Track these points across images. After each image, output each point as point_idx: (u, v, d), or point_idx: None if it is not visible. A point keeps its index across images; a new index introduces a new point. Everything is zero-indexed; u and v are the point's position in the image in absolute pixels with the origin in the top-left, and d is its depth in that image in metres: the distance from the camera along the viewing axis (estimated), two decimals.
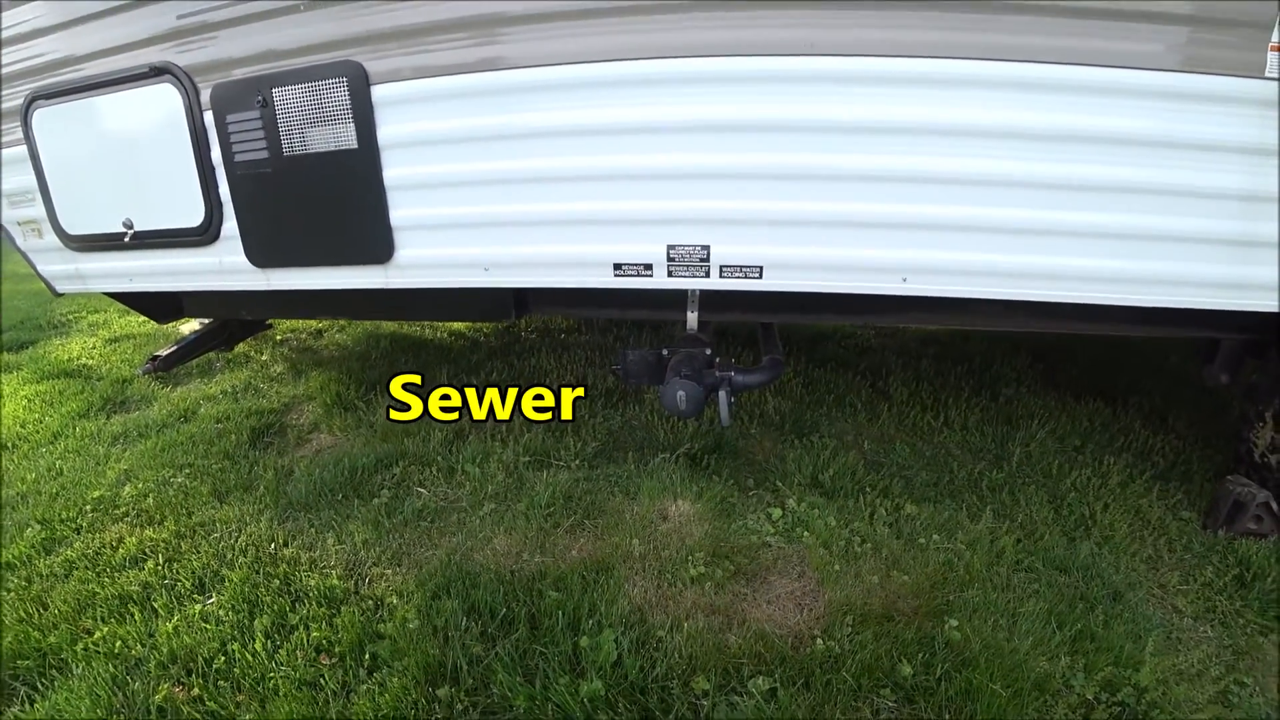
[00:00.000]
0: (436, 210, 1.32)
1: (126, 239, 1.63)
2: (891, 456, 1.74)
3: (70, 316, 3.39)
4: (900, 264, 1.17)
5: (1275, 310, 1.16)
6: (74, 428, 2.02)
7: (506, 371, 2.20)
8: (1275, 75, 1.03)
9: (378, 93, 1.28)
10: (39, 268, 1.84)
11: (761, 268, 1.22)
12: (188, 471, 1.69)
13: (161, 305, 1.95)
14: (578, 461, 1.66)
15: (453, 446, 1.74)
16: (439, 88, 1.23)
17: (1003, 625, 1.18)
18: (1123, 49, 1.03)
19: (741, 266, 1.22)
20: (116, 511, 1.55)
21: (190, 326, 2.47)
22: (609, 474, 1.62)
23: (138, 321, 3.10)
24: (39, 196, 1.71)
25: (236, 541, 1.41)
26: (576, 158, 1.20)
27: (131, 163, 1.57)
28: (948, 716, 1.00)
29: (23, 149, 1.67)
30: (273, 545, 1.39)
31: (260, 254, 1.50)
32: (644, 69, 1.13)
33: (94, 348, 2.84)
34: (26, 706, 1.09)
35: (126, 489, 1.63)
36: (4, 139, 1.69)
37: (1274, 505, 1.42)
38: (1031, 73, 1.04)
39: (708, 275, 1.24)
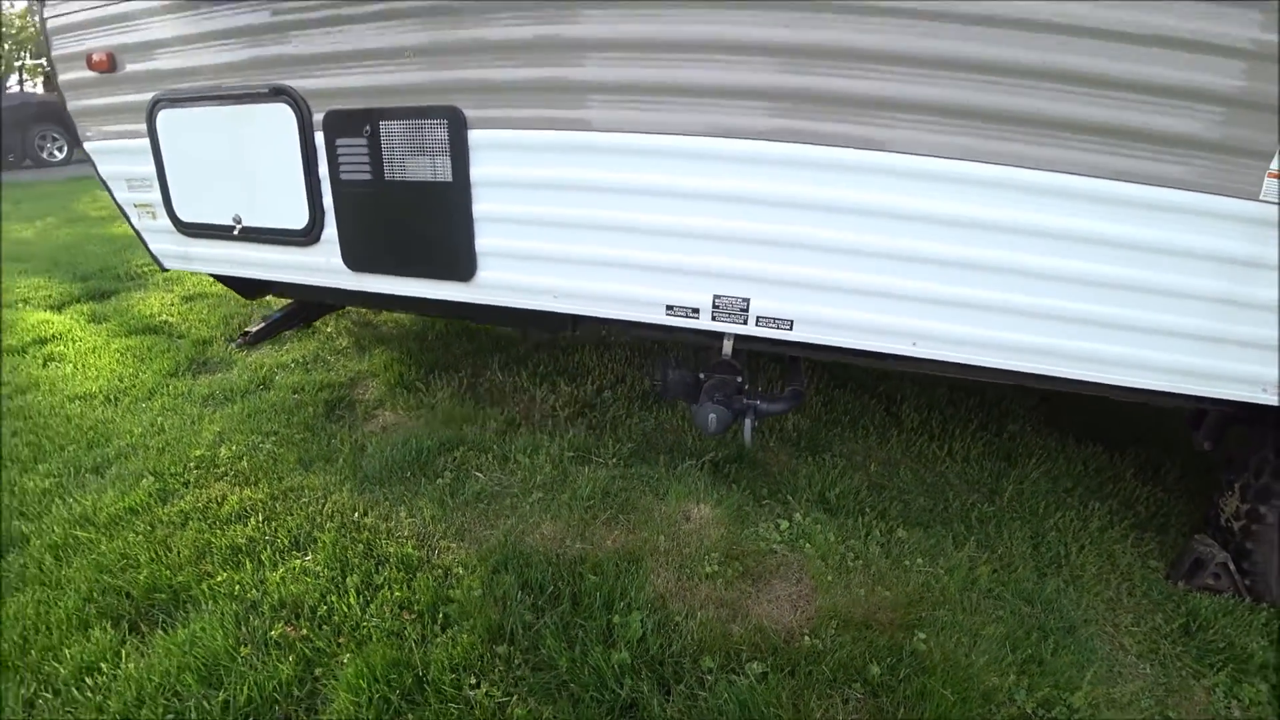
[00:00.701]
0: (517, 243, 1.55)
1: (235, 232, 1.89)
2: (895, 480, 1.97)
3: (145, 269, 3.71)
4: (911, 330, 1.38)
5: (1248, 400, 1.36)
6: (167, 386, 2.33)
7: (551, 364, 2.45)
8: (1270, 199, 1.21)
9: (474, 136, 1.50)
10: (151, 245, 2.12)
11: (793, 321, 1.44)
12: (274, 439, 1.98)
13: (252, 286, 2.22)
14: (615, 460, 1.92)
15: (506, 436, 2.01)
16: (528, 139, 1.45)
17: (964, 643, 1.41)
18: (1133, 167, 1.20)
19: (775, 318, 1.44)
20: (217, 470, 1.85)
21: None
22: (641, 474, 1.88)
23: (209, 280, 3.40)
24: (156, 184, 1.97)
25: (324, 508, 1.70)
26: (643, 214, 1.42)
27: (244, 166, 1.82)
28: (903, 712, 1.26)
29: (145, 141, 1.92)
30: (355, 514, 1.68)
31: (356, 260, 1.75)
32: (704, 145, 1.33)
33: (172, 305, 3.15)
34: (169, 631, 1.39)
35: (223, 450, 1.93)
36: (129, 131, 1.95)
37: (1231, 566, 1.63)
38: (1043, 180, 1.23)
39: (745, 323, 1.46)
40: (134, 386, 2.33)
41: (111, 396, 2.28)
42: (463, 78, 1.47)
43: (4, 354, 2.66)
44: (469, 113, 1.49)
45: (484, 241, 1.58)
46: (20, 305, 3.25)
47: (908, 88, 1.21)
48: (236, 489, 1.78)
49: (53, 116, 9.69)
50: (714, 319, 1.48)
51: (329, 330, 2.78)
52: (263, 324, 2.20)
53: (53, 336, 2.82)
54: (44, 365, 2.57)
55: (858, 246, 1.34)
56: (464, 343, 2.67)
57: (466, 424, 2.04)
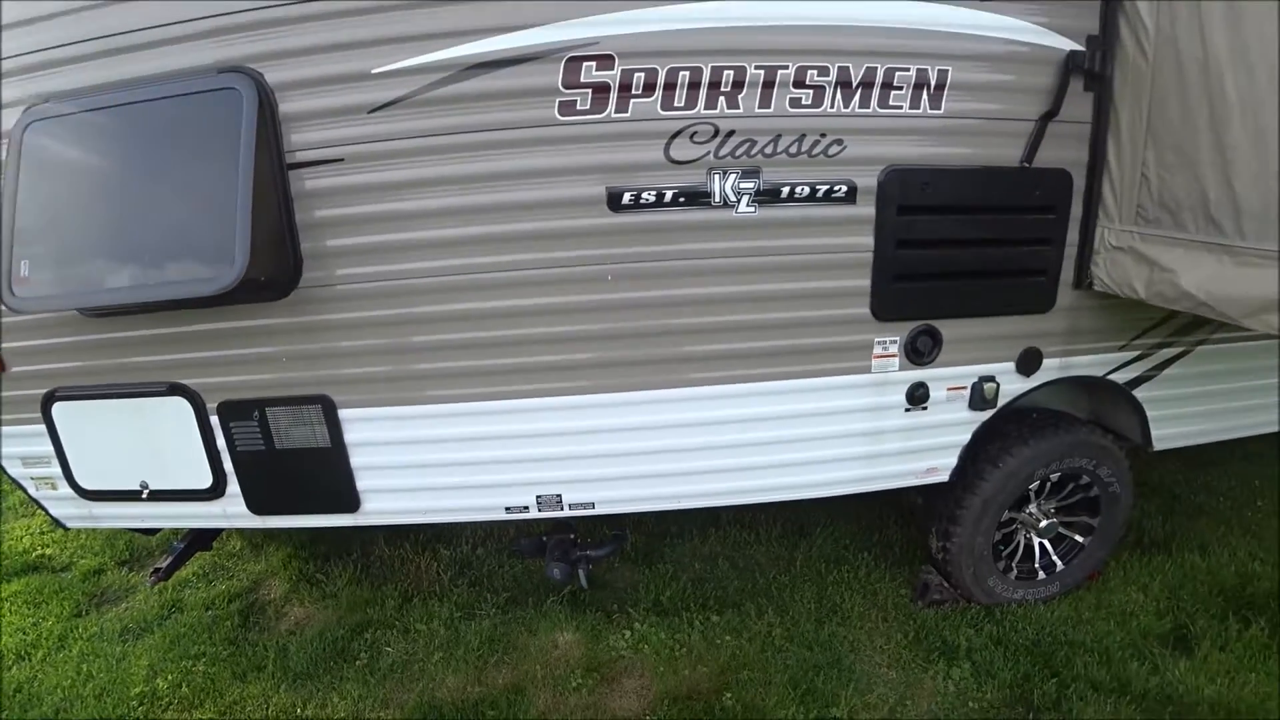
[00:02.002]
0: (390, 482, 2.19)
1: (143, 495, 2.35)
2: (714, 571, 2.78)
3: None
4: (675, 494, 2.20)
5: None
6: (77, 629, 2.65)
7: (430, 531, 3.05)
8: (880, 371, 2.15)
9: (344, 413, 2.13)
10: (52, 511, 2.49)
11: (594, 503, 2.20)
12: (205, 660, 2.42)
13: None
14: (494, 609, 2.57)
15: (404, 609, 2.59)
16: (389, 412, 2.11)
17: (761, 692, 2.21)
18: (810, 369, 2.09)
19: (581, 503, 2.20)
20: (161, 702, 2.27)
21: None
22: (517, 616, 2.54)
23: None
24: (55, 462, 2.38)
25: (270, 711, 2.19)
26: (478, 452, 2.13)
27: (147, 444, 2.30)
28: None
29: (41, 427, 2.34)
30: (298, 709, 2.19)
31: (259, 506, 2.29)
32: (505, 405, 2.08)
33: (40, 533, 3.36)
34: None
35: (160, 682, 2.35)
36: (24, 419, 2.34)
37: (945, 584, 2.57)
38: (756, 387, 2.08)
39: (562, 510, 2.21)
40: (42, 638, 2.63)
41: (22, 653, 2.57)
42: (331, 374, 2.11)
43: None
44: (338, 398, 2.12)
45: (363, 484, 2.20)
46: None
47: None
48: (186, 714, 2.22)
49: None
50: (540, 510, 2.21)
51: (221, 535, 3.18)
52: (170, 558, 2.61)
53: None
54: None
55: (628, 450, 2.14)
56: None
57: (369, 606, 2.60)
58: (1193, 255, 1.95)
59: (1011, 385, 2.28)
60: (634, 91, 1.85)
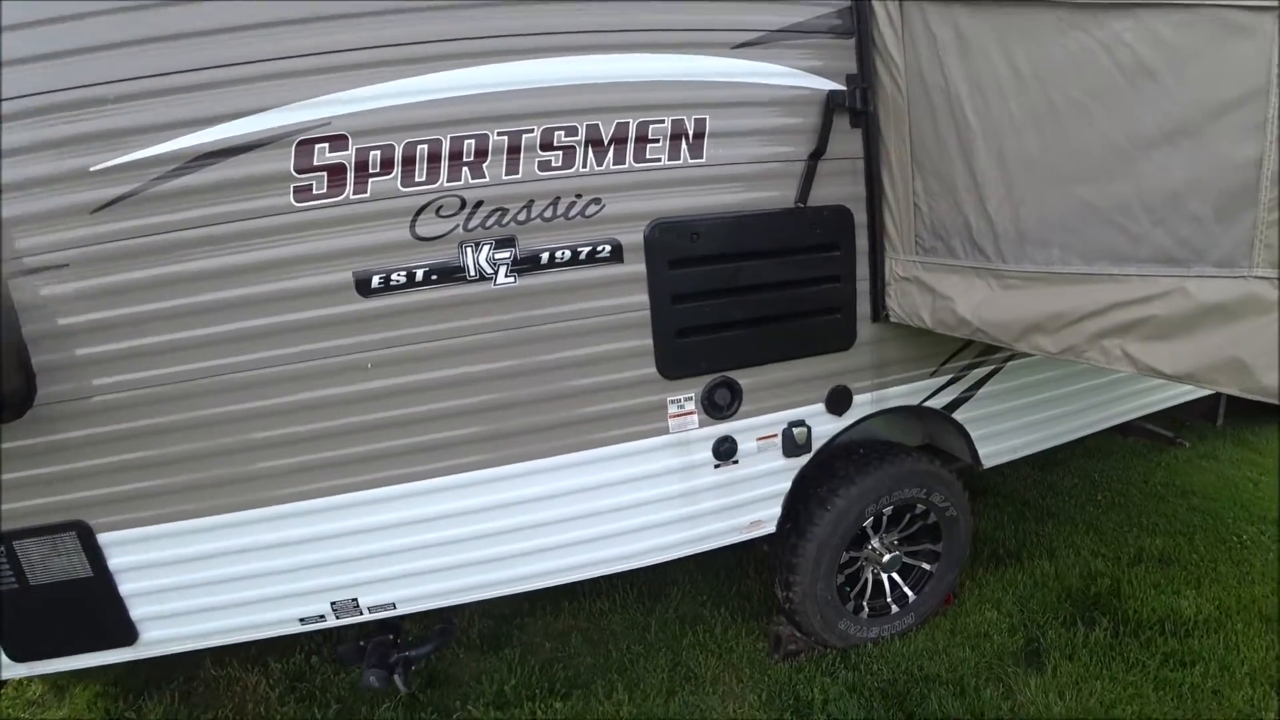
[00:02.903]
0: (165, 607, 2.03)
1: None
2: (567, 649, 2.66)
3: None
4: (480, 583, 2.10)
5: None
6: None
7: (254, 649, 2.82)
8: (677, 430, 2.10)
9: (104, 538, 1.98)
10: None
11: (395, 603, 2.09)
12: None
13: None
14: None
15: None
16: (147, 533, 1.97)
17: None
18: (578, 441, 2.03)
19: (381, 605, 2.08)
20: None
21: None
22: None
23: None
24: None
25: None
26: (258, 564, 1.99)
27: None
28: None
29: None
30: None
31: (21, 652, 2.09)
32: (258, 513, 1.96)
33: None
34: None
35: None
36: None
37: (796, 633, 2.50)
38: (554, 461, 2.01)
39: (362, 614, 2.08)
40: None
41: None
42: (85, 497, 1.96)
43: None
44: (94, 522, 1.97)
45: (137, 612, 2.04)
46: None
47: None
48: None
49: None
50: (338, 617, 2.08)
51: (15, 682, 2.92)
52: None
53: None
54: None
55: (420, 544, 2.03)
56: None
57: None
58: (966, 281, 1.99)
59: (825, 426, 2.28)
60: (371, 170, 1.80)
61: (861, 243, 2.20)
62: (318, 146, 1.78)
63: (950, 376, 2.42)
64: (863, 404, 2.30)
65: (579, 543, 2.12)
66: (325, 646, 2.77)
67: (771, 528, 2.31)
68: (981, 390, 2.48)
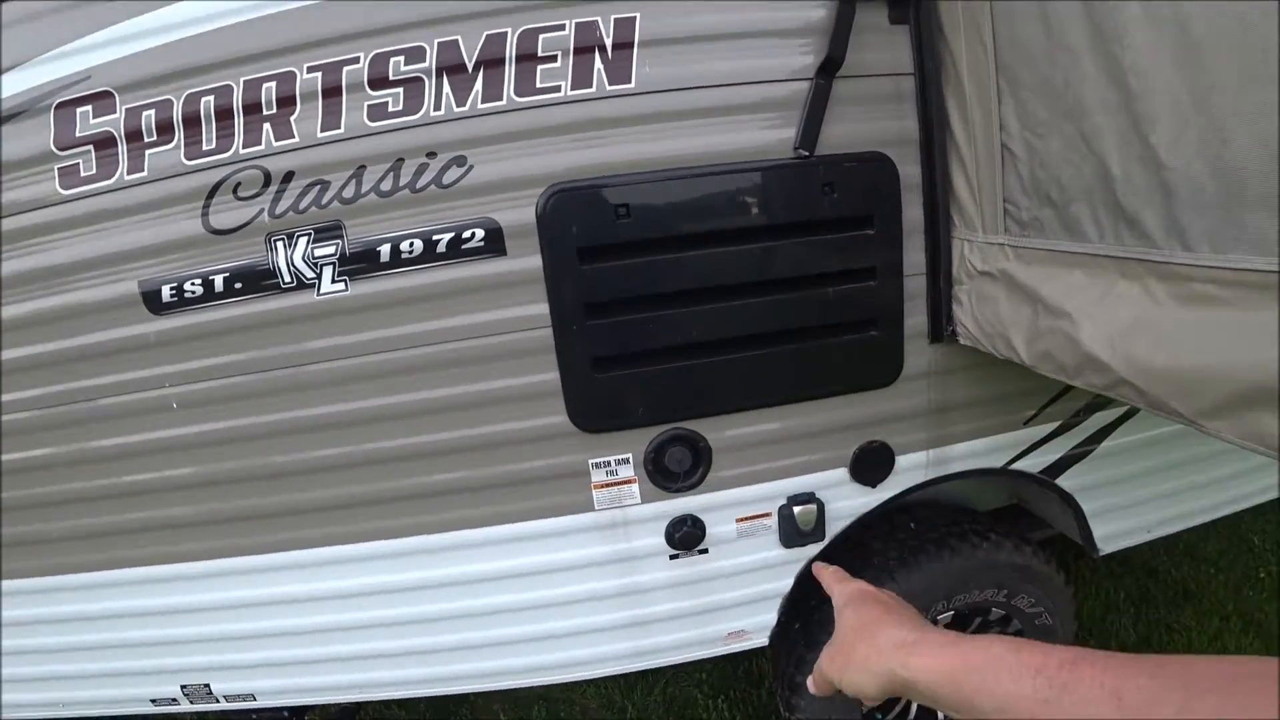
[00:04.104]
0: (12, 671, 1.77)
1: None
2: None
3: None
4: (334, 685, 1.64)
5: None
6: None
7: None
8: (604, 506, 1.48)
9: None
10: None
11: (254, 694, 1.68)
12: None
13: None
14: None
15: None
16: None
17: None
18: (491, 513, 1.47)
19: (239, 694, 1.68)
20: None
21: None
22: None
23: None
24: None
25: None
26: (101, 635, 1.65)
27: None
28: None
29: None
30: None
31: None
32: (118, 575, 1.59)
33: None
34: None
35: None
36: None
37: None
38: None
39: (218, 701, 1.69)
40: None
41: None
42: None
43: None
44: None
45: None
46: None
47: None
48: None
49: None
50: (191, 702, 1.71)
51: None
52: None
53: None
54: None
55: (277, 629, 1.59)
56: None
57: None
58: (1100, 283, 1.12)
59: (848, 502, 1.53)
60: (147, 139, 1.30)
61: (912, 214, 1.38)
62: (79, 111, 1.29)
63: (1056, 425, 1.54)
64: (911, 468, 1.51)
65: (474, 646, 1.58)
66: None
67: (762, 640, 1.63)
68: (1104, 444, 1.58)
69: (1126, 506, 1.67)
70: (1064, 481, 1.59)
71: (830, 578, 0.68)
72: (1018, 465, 1.55)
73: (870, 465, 1.48)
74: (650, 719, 2.09)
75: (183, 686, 1.68)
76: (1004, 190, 1.26)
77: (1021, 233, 1.25)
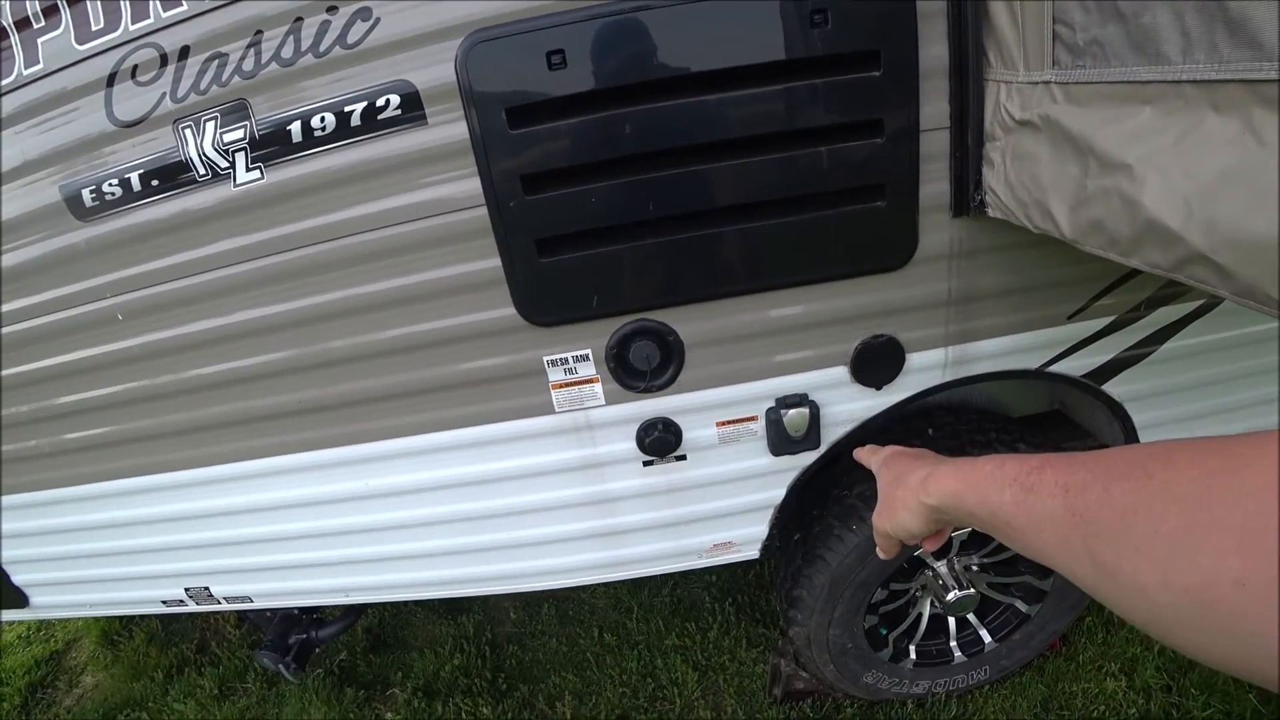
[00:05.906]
0: (44, 575, 1.89)
1: None
2: (534, 623, 2.26)
3: None
4: (323, 589, 1.69)
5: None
6: None
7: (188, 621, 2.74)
8: (564, 409, 1.42)
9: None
10: None
11: (250, 596, 1.75)
12: None
13: None
14: (261, 685, 2.28)
15: (170, 682, 2.39)
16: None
17: None
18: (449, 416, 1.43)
19: (236, 596, 1.76)
20: None
21: None
22: (280, 693, 2.23)
23: None
24: None
25: None
26: (116, 541, 1.73)
27: None
28: None
29: None
30: None
31: None
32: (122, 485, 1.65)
33: None
34: None
35: None
36: None
37: (802, 672, 1.83)
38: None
39: (219, 603, 1.79)
40: None
41: None
42: None
43: None
44: None
45: (19, 579, 1.94)
46: None
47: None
48: None
49: None
50: (197, 605, 1.81)
51: None
52: None
53: None
54: None
55: (263, 535, 1.64)
56: None
57: (142, 677, 2.42)
58: (1176, 122, 0.87)
59: (848, 405, 1.39)
60: (36, 24, 1.21)
61: (932, 51, 1.15)
62: None
63: (1109, 320, 1.34)
64: (925, 368, 1.36)
65: (450, 553, 1.58)
66: None
67: (752, 552, 1.57)
68: (1166, 346, 1.37)
69: (1184, 420, 1.48)
70: (1113, 388, 1.40)
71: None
72: (1057, 367, 1.37)
73: (874, 364, 1.32)
74: (653, 624, 2.12)
75: (186, 589, 1.78)
76: (1055, 6, 1.00)
77: (1075, 63, 0.97)
